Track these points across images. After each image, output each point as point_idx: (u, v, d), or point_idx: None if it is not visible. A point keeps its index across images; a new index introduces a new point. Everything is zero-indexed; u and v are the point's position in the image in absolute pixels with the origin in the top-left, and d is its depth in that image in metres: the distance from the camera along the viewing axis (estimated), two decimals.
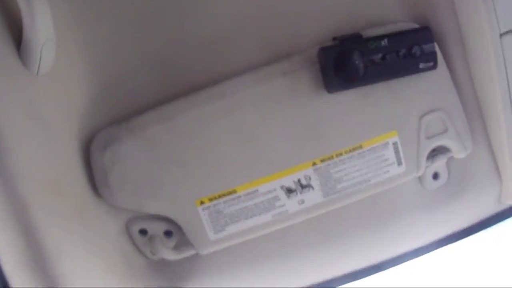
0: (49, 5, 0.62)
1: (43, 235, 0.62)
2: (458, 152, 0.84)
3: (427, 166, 0.84)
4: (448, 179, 0.89)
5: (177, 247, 0.83)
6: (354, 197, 0.82)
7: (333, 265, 0.92)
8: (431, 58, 0.78)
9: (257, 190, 0.80)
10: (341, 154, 0.80)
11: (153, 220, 0.82)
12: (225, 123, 0.78)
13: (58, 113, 0.72)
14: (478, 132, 0.85)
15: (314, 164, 0.80)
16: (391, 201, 0.88)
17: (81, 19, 0.74)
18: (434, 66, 0.78)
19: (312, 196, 0.81)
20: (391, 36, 0.77)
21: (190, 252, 0.83)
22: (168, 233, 0.84)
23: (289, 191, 0.80)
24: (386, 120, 0.80)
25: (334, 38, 0.79)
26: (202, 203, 0.79)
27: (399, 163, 0.82)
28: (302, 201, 0.81)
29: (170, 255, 0.82)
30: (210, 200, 0.79)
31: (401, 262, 0.94)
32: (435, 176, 0.89)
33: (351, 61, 0.75)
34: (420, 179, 0.89)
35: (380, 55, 0.76)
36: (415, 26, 0.80)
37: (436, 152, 0.85)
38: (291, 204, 0.81)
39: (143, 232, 0.83)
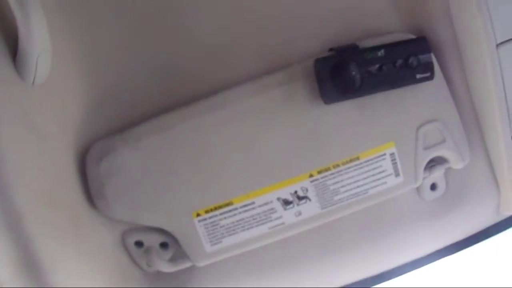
0: (45, 15, 0.62)
1: (37, 246, 0.62)
2: (456, 163, 0.84)
3: (424, 177, 0.83)
4: (446, 190, 0.89)
5: (173, 259, 0.82)
6: (352, 208, 0.82)
7: (332, 276, 0.92)
8: (428, 69, 0.77)
9: (253, 202, 0.79)
10: (338, 165, 0.80)
11: (149, 232, 0.82)
12: (221, 134, 0.78)
13: (54, 124, 0.72)
14: (475, 143, 0.84)
15: (311, 175, 0.79)
16: (389, 213, 0.88)
17: (77, 30, 0.74)
18: (431, 77, 0.78)
19: (309, 208, 0.80)
20: (388, 47, 0.76)
21: (186, 264, 0.82)
22: (164, 245, 0.83)
23: (286, 203, 0.80)
24: (383, 131, 0.80)
25: (331, 49, 0.79)
26: (198, 215, 0.79)
27: (397, 174, 0.81)
28: (299, 213, 0.80)
29: (166, 268, 0.81)
30: (207, 212, 0.79)
31: (399, 274, 0.93)
32: (433, 187, 0.89)
33: (347, 72, 0.75)
34: (418, 190, 0.89)
35: (376, 65, 0.76)
36: (412, 36, 0.80)
37: (433, 163, 0.84)
38: (288, 216, 0.80)
39: (139, 244, 0.83)
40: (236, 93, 0.79)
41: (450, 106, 0.82)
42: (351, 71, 0.75)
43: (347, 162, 0.80)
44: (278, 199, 0.79)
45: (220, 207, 0.79)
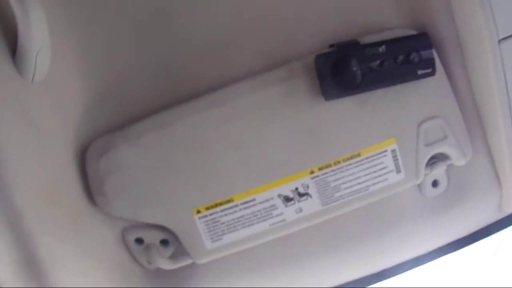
0: (45, 12, 0.62)
1: (37, 243, 0.62)
2: (458, 159, 0.83)
3: (426, 174, 0.83)
4: (448, 186, 0.89)
5: (173, 256, 0.82)
6: (353, 205, 0.81)
7: (333, 274, 0.92)
8: (429, 65, 0.77)
9: (254, 199, 0.79)
10: (339, 162, 0.79)
11: (149, 229, 0.82)
12: (221, 131, 0.78)
13: (53, 121, 0.72)
14: (477, 139, 0.84)
15: (311, 172, 0.79)
16: (390, 209, 0.88)
17: (77, 26, 0.74)
18: (433, 73, 0.77)
19: (310, 205, 0.80)
20: (389, 43, 0.76)
21: (187, 262, 0.82)
22: (164, 242, 0.83)
23: (287, 199, 0.80)
24: (384, 128, 0.80)
25: (331, 45, 0.79)
26: (198, 212, 0.79)
27: (398, 171, 0.81)
28: (300, 210, 0.80)
29: (167, 265, 0.81)
30: (207, 209, 0.79)
31: (401, 271, 0.93)
32: (435, 183, 0.88)
33: (348, 68, 0.75)
34: (419, 186, 0.88)
35: (377, 61, 0.75)
36: (413, 32, 0.80)
37: (435, 160, 0.84)
38: (289, 212, 0.80)
39: (139, 241, 0.83)
40: (236, 89, 0.79)
41: (451, 102, 0.82)
42: (352, 67, 0.75)
43: (348, 159, 0.79)
44: (279, 195, 0.79)
45: (220, 204, 0.78)
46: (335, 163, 0.79)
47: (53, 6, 0.68)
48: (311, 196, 0.80)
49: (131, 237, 0.82)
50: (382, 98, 0.78)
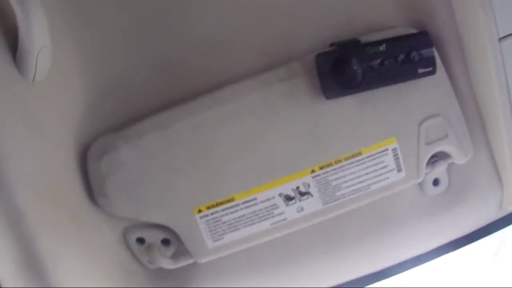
0: (45, 12, 0.62)
1: (38, 243, 0.62)
2: (459, 158, 0.84)
3: (427, 172, 0.83)
4: (449, 185, 0.89)
5: (175, 256, 0.82)
6: (354, 204, 0.82)
7: (334, 273, 0.92)
8: (430, 63, 0.77)
9: (255, 198, 0.79)
10: (340, 161, 0.79)
11: (151, 228, 0.81)
12: (222, 130, 0.78)
13: (54, 121, 0.72)
14: (478, 138, 0.84)
15: (313, 171, 0.79)
16: (391, 208, 0.88)
17: (77, 26, 0.74)
18: (433, 71, 0.77)
19: (311, 204, 0.80)
20: (389, 41, 0.76)
21: (188, 261, 0.82)
22: (166, 242, 0.83)
23: (288, 198, 0.79)
24: (385, 126, 0.80)
25: (332, 44, 0.79)
26: (200, 211, 0.79)
27: (399, 170, 0.81)
28: (301, 209, 0.80)
29: (168, 264, 0.81)
30: (208, 208, 0.79)
31: (402, 270, 0.93)
32: (436, 182, 0.88)
33: (349, 67, 0.75)
34: (420, 185, 0.88)
35: (378, 60, 0.75)
36: (414, 31, 0.80)
37: (436, 158, 0.84)
38: (290, 212, 0.80)
39: (140, 240, 0.83)
40: (237, 89, 0.79)
41: (452, 101, 0.82)
42: (352, 66, 0.75)
43: (349, 158, 0.79)
44: (280, 195, 0.79)
45: (221, 203, 0.78)
46: (336, 162, 0.79)
47: (53, 6, 0.68)
48: (312, 195, 0.80)
49: (133, 237, 0.82)
50: (383, 97, 0.78)
